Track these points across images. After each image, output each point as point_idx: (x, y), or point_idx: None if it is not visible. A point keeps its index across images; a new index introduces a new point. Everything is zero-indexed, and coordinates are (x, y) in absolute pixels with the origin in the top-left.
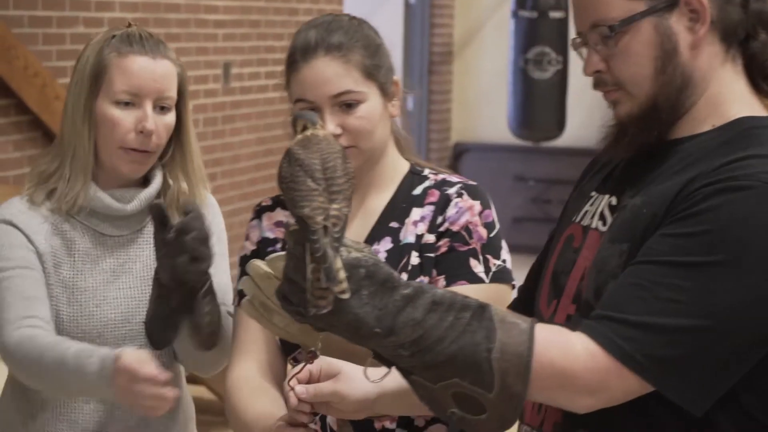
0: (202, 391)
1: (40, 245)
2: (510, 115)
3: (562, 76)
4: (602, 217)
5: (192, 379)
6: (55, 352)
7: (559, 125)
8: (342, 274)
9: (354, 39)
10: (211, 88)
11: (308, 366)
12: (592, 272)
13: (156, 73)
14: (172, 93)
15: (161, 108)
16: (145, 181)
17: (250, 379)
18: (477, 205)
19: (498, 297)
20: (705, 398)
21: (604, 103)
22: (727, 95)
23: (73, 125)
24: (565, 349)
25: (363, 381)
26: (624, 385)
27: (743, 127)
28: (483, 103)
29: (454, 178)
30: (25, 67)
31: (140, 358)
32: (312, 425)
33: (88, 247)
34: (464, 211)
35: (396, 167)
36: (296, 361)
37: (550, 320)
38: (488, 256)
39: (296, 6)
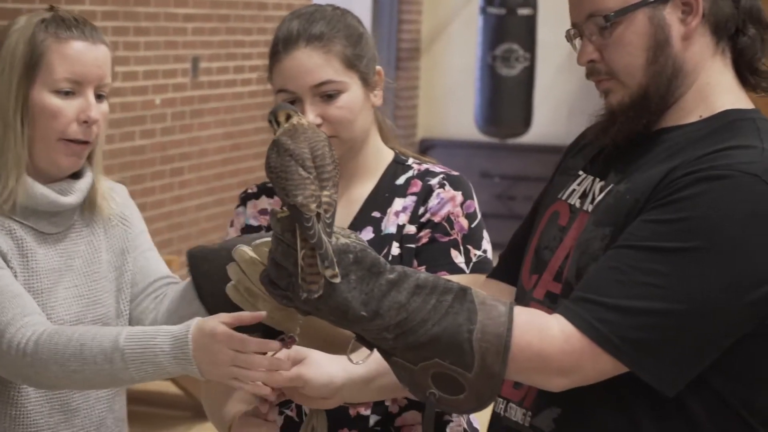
0: (167, 386)
1: None
2: (477, 112)
3: (529, 74)
4: (593, 200)
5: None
6: (94, 347)
7: (526, 122)
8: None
9: (335, 29)
10: (179, 82)
11: (278, 353)
12: (576, 253)
13: (98, 58)
14: (110, 79)
15: (98, 96)
16: (72, 174)
17: None
18: (459, 196)
19: (478, 287)
20: (677, 380)
21: (571, 101)
22: (715, 86)
23: (2, 117)
24: (542, 332)
25: (327, 366)
26: (598, 365)
27: (728, 119)
28: (450, 99)
29: (437, 168)
30: None
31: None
32: (276, 416)
33: (34, 246)
34: (446, 201)
35: (379, 156)
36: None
37: (530, 293)
38: (469, 247)
39: (265, 0)
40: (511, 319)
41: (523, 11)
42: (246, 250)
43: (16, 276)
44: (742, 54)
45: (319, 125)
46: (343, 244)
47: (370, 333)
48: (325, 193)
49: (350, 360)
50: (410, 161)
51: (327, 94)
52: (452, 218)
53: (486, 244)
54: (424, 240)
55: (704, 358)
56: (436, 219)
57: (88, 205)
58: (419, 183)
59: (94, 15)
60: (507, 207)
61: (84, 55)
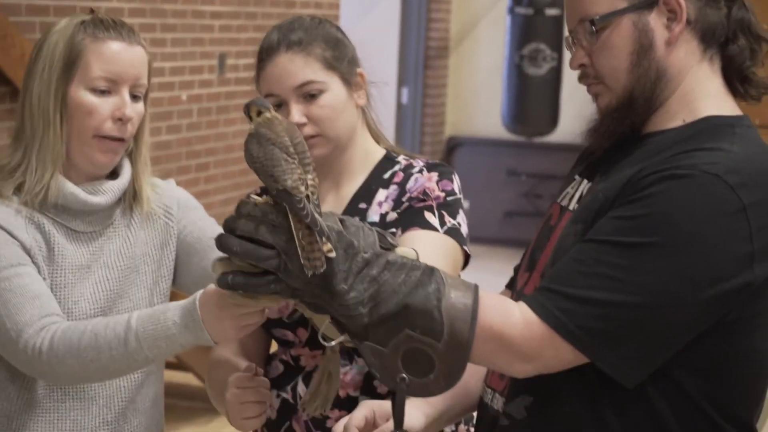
0: (189, 378)
1: (24, 239)
2: (504, 111)
3: (556, 73)
4: (579, 200)
5: (179, 366)
6: (108, 334)
7: (553, 121)
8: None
9: (312, 35)
10: (206, 78)
11: (364, 413)
12: (554, 249)
13: (134, 59)
14: (146, 81)
15: (134, 96)
16: (111, 175)
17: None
18: (435, 175)
19: (447, 248)
20: (635, 372)
21: None
22: (699, 92)
23: (42, 114)
24: (504, 316)
25: (416, 414)
26: (558, 353)
27: (708, 124)
28: (477, 97)
29: (421, 161)
30: (22, 56)
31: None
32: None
33: (63, 242)
34: (423, 180)
35: (369, 154)
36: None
37: (521, 291)
38: (443, 212)
39: None
40: (477, 292)
41: (551, 11)
42: (223, 263)
43: (39, 270)
44: (731, 62)
45: (303, 124)
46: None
47: (347, 309)
48: (309, 176)
49: (322, 340)
50: (400, 158)
51: (309, 93)
52: (428, 191)
53: (462, 220)
54: (403, 210)
55: (662, 352)
56: (414, 194)
57: (128, 204)
58: (402, 174)
59: (122, 11)
60: (533, 205)
61: (120, 55)
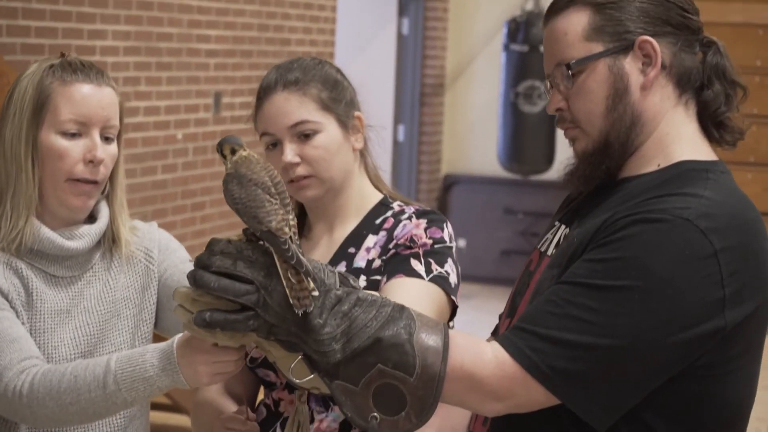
0: (185, 420)
1: (1, 284)
2: (500, 148)
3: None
4: (557, 245)
5: (174, 408)
6: (87, 376)
7: (548, 159)
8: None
9: (310, 76)
10: (201, 117)
11: None
12: (531, 294)
13: (103, 101)
14: (117, 122)
15: (105, 138)
16: (89, 219)
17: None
18: (423, 222)
19: (432, 296)
20: (606, 414)
21: None
22: (674, 136)
23: (15, 159)
24: (476, 355)
25: None
26: (529, 393)
27: (682, 169)
28: (473, 135)
29: (413, 208)
30: None
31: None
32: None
33: (42, 287)
34: (410, 227)
35: (365, 198)
36: (302, 399)
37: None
38: (430, 260)
39: (288, 36)
40: (447, 329)
41: None
42: (185, 290)
43: (18, 315)
44: (706, 107)
45: (297, 164)
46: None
47: (321, 345)
48: (291, 216)
49: (291, 379)
50: (395, 204)
51: (304, 133)
52: (415, 238)
53: (451, 269)
54: (389, 257)
55: (632, 394)
56: (401, 241)
57: (108, 247)
58: (392, 220)
59: (117, 50)
60: (530, 243)
61: (88, 97)
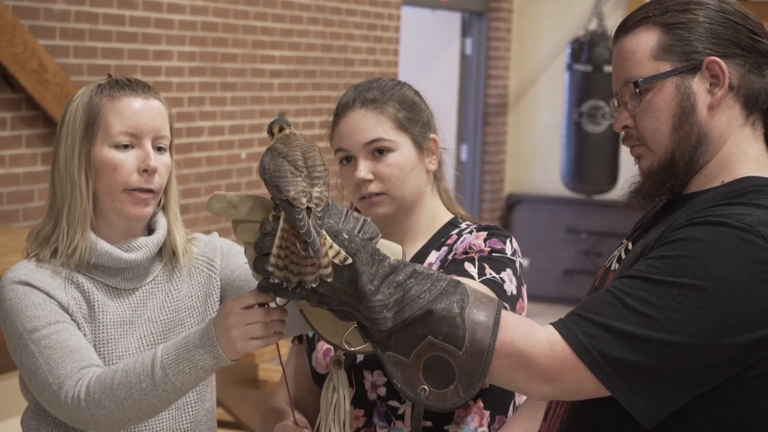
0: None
1: (61, 299)
2: (563, 168)
3: (615, 131)
4: (620, 260)
5: (239, 426)
6: (137, 368)
7: (612, 179)
8: (334, 248)
9: (388, 95)
10: (265, 137)
11: None
12: None
13: (152, 111)
14: (167, 132)
15: (158, 148)
16: (148, 231)
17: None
18: (483, 234)
19: None
20: (652, 409)
21: None
22: (740, 155)
23: (68, 177)
24: (527, 334)
25: None
26: (578, 378)
27: (747, 184)
28: (536, 155)
29: (477, 225)
30: None
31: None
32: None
33: (103, 299)
34: (470, 239)
35: (435, 219)
36: (338, 365)
37: None
38: (485, 264)
39: (352, 57)
40: (500, 306)
41: (609, 68)
42: (217, 196)
43: (80, 327)
44: None
45: (369, 181)
46: (351, 230)
47: (372, 312)
48: (316, 189)
49: (346, 347)
50: (464, 223)
51: (378, 150)
52: (472, 246)
53: (507, 278)
54: (446, 266)
55: (679, 393)
56: (458, 251)
57: (169, 258)
58: (455, 237)
59: (182, 71)
60: (593, 263)
61: (137, 109)
